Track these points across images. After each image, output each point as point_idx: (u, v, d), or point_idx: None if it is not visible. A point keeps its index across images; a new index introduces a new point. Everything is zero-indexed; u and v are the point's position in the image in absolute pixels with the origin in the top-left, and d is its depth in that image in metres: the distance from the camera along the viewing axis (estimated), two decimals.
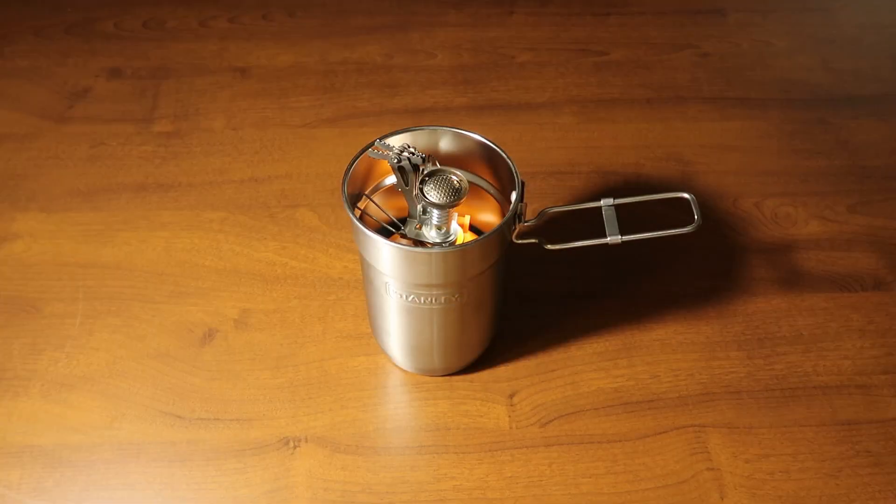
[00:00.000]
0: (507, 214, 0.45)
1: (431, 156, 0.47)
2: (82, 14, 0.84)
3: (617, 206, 0.46)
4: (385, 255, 0.45)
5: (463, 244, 0.45)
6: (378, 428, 0.52)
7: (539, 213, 0.47)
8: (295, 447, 0.51)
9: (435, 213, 0.47)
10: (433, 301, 0.47)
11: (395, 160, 0.45)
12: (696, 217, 0.45)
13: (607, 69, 0.77)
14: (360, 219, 0.45)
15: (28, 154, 0.70)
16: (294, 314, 0.58)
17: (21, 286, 0.60)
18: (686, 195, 0.46)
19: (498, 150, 0.48)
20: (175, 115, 0.73)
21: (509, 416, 0.53)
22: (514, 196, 0.46)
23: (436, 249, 0.44)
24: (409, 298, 0.47)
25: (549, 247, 0.47)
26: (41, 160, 0.69)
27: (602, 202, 0.46)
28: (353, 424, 0.53)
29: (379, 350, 0.56)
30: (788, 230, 0.64)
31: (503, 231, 0.45)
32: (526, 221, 0.47)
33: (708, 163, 0.69)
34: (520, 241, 0.47)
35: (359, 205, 0.50)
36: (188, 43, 0.80)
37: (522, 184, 0.46)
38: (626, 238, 0.45)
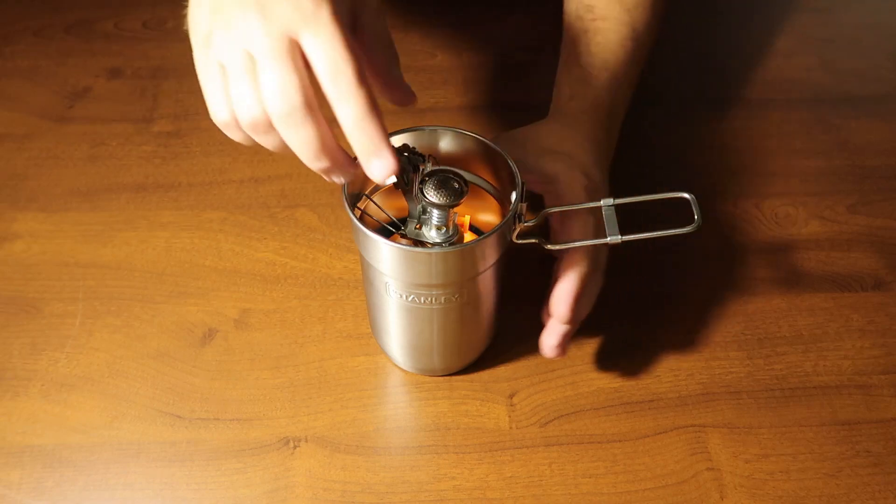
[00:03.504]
0: (508, 215, 0.45)
1: (431, 156, 0.47)
2: (82, 14, 0.84)
3: (617, 206, 0.46)
4: (385, 255, 0.45)
5: (463, 244, 0.45)
6: (378, 428, 0.52)
7: (539, 214, 0.47)
8: (295, 447, 0.51)
9: (435, 213, 0.47)
10: (433, 301, 0.47)
11: None
12: (696, 217, 0.45)
13: None
14: (360, 219, 0.45)
15: (28, 154, 0.70)
16: (294, 314, 0.58)
17: (21, 286, 0.60)
18: (686, 195, 0.46)
19: (498, 150, 0.48)
20: (175, 115, 0.73)
21: (509, 416, 0.53)
22: (514, 196, 0.46)
23: (436, 249, 0.44)
24: (409, 298, 0.47)
25: (550, 247, 0.47)
26: (41, 160, 0.69)
27: (602, 202, 0.46)
28: (353, 424, 0.53)
29: (379, 350, 0.56)
30: (788, 230, 0.64)
31: (503, 231, 0.45)
32: (526, 222, 0.47)
33: (708, 163, 0.69)
34: (520, 242, 0.47)
35: (359, 205, 0.50)
36: (188, 43, 0.80)
37: (523, 184, 0.46)
38: (626, 238, 0.45)
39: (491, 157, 0.49)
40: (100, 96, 0.75)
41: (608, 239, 0.45)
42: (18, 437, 0.52)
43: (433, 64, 0.78)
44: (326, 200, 0.65)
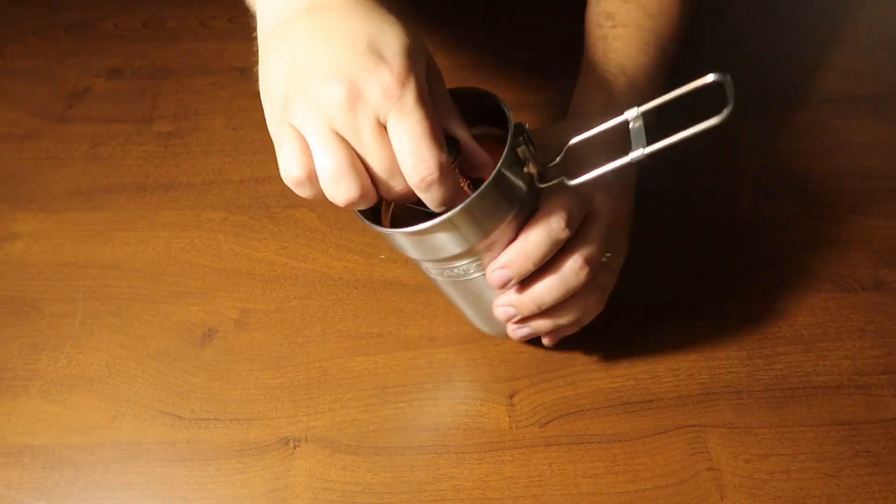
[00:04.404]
0: (501, 159, 0.41)
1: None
2: (82, 14, 0.84)
3: (646, 120, 0.41)
4: (398, 242, 0.43)
5: (449, 211, 0.41)
6: (378, 428, 0.52)
7: (565, 150, 0.44)
8: (295, 447, 0.51)
9: None
10: (471, 270, 0.45)
11: None
12: (729, 102, 0.39)
13: None
14: (368, 216, 0.44)
15: (28, 154, 0.70)
16: (294, 314, 0.58)
17: (21, 286, 0.60)
18: (718, 77, 0.40)
19: (488, 92, 0.45)
20: (175, 115, 0.73)
21: (509, 416, 0.53)
22: (508, 139, 0.42)
23: (438, 219, 0.41)
24: (449, 273, 0.45)
25: (573, 182, 0.43)
26: (41, 160, 0.69)
27: (626, 114, 0.42)
28: (352, 424, 0.53)
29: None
30: (789, 230, 0.64)
31: (500, 180, 0.41)
32: (550, 163, 0.44)
33: (708, 162, 0.69)
34: (544, 185, 0.44)
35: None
36: (188, 43, 0.80)
37: (516, 125, 0.42)
38: (648, 150, 0.40)
39: (490, 108, 0.46)
40: (100, 96, 0.75)
41: (630, 157, 0.41)
42: (18, 437, 0.52)
43: None
44: (326, 200, 0.65)
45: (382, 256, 0.62)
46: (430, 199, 0.40)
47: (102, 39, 0.81)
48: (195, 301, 0.59)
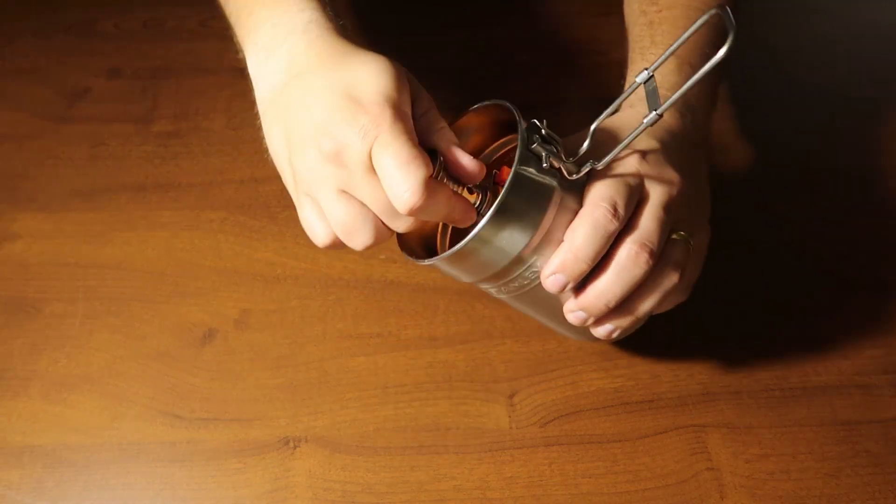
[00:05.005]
0: (515, 160, 0.40)
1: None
2: (82, 14, 0.84)
3: (658, 79, 0.40)
4: (447, 270, 0.42)
5: (469, 235, 0.40)
6: (378, 428, 0.52)
7: (591, 135, 0.43)
8: (295, 447, 0.51)
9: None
10: (533, 278, 0.43)
11: None
12: (730, 31, 0.37)
13: (607, 69, 0.77)
14: (418, 248, 0.44)
15: (28, 154, 0.70)
16: (294, 314, 0.58)
17: (21, 286, 0.60)
18: (714, 10, 0.38)
19: (499, 103, 0.44)
20: (175, 115, 0.73)
21: (509, 416, 0.53)
22: (519, 142, 0.41)
23: (467, 238, 0.39)
24: (507, 289, 0.44)
25: (599, 165, 0.41)
26: (41, 160, 0.69)
27: (638, 79, 0.40)
28: (353, 424, 0.53)
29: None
30: (789, 230, 0.64)
31: (522, 177, 0.40)
32: (577, 156, 0.42)
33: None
34: (576, 177, 0.41)
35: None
36: (188, 43, 0.80)
37: (529, 126, 0.41)
38: (662, 108, 0.39)
39: (505, 121, 0.44)
40: (100, 96, 0.75)
41: (645, 121, 0.39)
42: (18, 437, 0.52)
43: (433, 64, 0.78)
44: None
45: (382, 257, 0.62)
46: (433, 219, 0.40)
47: (102, 39, 0.81)
48: (195, 301, 0.59)
